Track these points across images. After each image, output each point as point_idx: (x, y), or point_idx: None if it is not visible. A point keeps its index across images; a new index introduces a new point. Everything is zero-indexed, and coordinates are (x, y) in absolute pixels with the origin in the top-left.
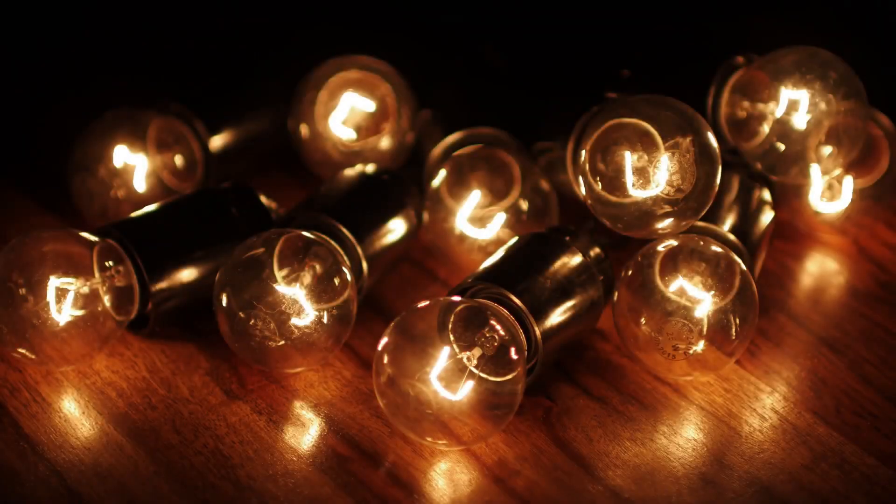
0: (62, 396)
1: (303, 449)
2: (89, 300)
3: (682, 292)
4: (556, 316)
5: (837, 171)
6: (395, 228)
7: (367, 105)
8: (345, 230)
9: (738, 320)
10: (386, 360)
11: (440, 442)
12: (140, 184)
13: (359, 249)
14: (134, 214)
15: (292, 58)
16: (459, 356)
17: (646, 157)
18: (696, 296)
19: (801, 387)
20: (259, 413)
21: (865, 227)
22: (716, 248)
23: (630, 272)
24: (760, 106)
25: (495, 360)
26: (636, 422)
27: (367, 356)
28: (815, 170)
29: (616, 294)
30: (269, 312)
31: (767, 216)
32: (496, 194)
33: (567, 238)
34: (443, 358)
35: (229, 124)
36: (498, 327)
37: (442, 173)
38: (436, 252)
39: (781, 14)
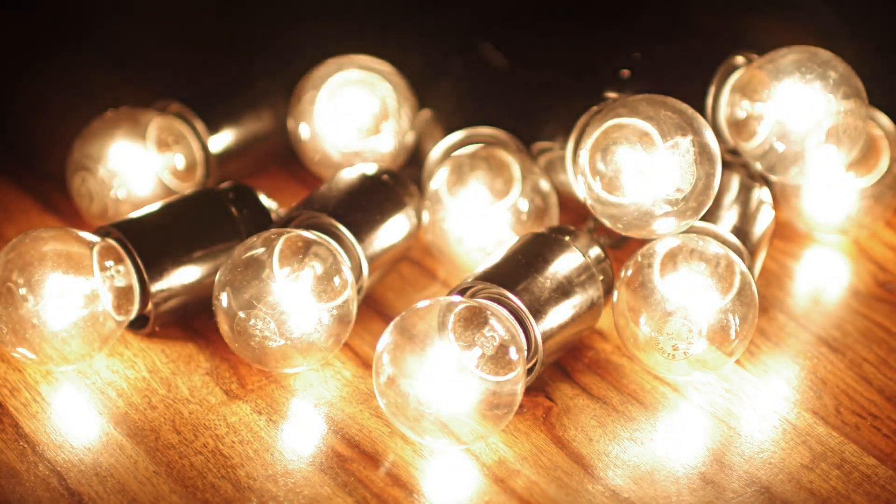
0: (62, 396)
1: (303, 449)
2: (89, 300)
3: (682, 292)
4: (556, 316)
5: (837, 171)
6: (395, 228)
7: (368, 105)
8: (345, 230)
9: (738, 320)
10: (386, 360)
11: (440, 442)
12: (140, 184)
13: (359, 249)
14: (134, 214)
15: (292, 57)
16: (459, 356)
17: (646, 157)
18: (696, 296)
19: (801, 387)
20: (259, 413)
21: (865, 227)
22: (716, 248)
23: (630, 272)
24: (760, 106)
25: (495, 360)
26: (636, 422)
27: (367, 356)
28: (815, 170)
29: (616, 294)
30: (269, 312)
31: (767, 216)
32: (496, 194)
33: (567, 238)
34: (443, 358)
35: (229, 124)
36: (498, 327)
37: (442, 173)
38: (435, 252)
39: (781, 14)
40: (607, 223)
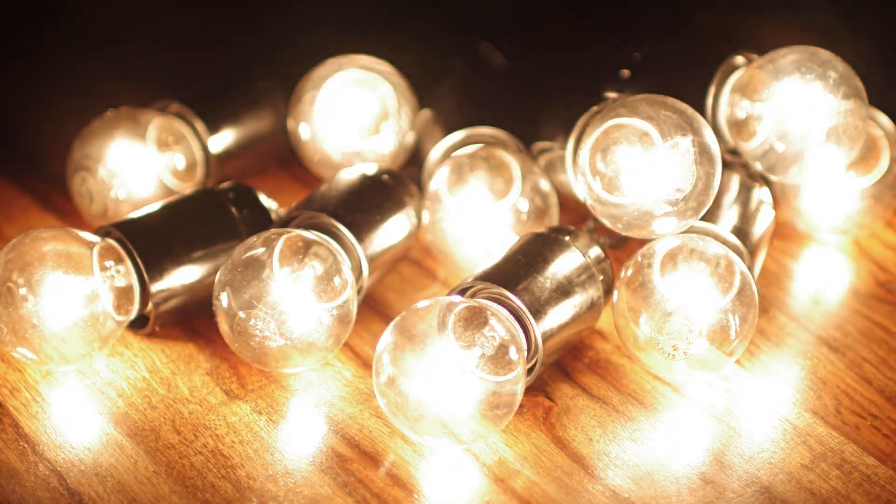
0: (62, 396)
1: (303, 449)
2: (89, 300)
3: (682, 292)
4: (556, 316)
5: (837, 171)
6: (395, 228)
7: (368, 105)
8: (345, 230)
9: (738, 320)
10: (386, 360)
11: (440, 442)
12: (140, 184)
13: (359, 249)
14: (134, 214)
15: (292, 57)
16: (459, 356)
17: (646, 157)
18: (696, 296)
19: (801, 387)
20: (259, 413)
21: (865, 227)
22: (716, 248)
23: (630, 272)
24: (760, 106)
25: (495, 360)
26: (636, 422)
27: (367, 356)
28: (815, 170)
29: (616, 294)
30: (269, 312)
31: (767, 216)
32: (496, 194)
33: (567, 238)
34: (443, 358)
35: (229, 124)
36: (498, 327)
37: (442, 173)
38: (436, 252)
39: (781, 14)
40: (607, 223)
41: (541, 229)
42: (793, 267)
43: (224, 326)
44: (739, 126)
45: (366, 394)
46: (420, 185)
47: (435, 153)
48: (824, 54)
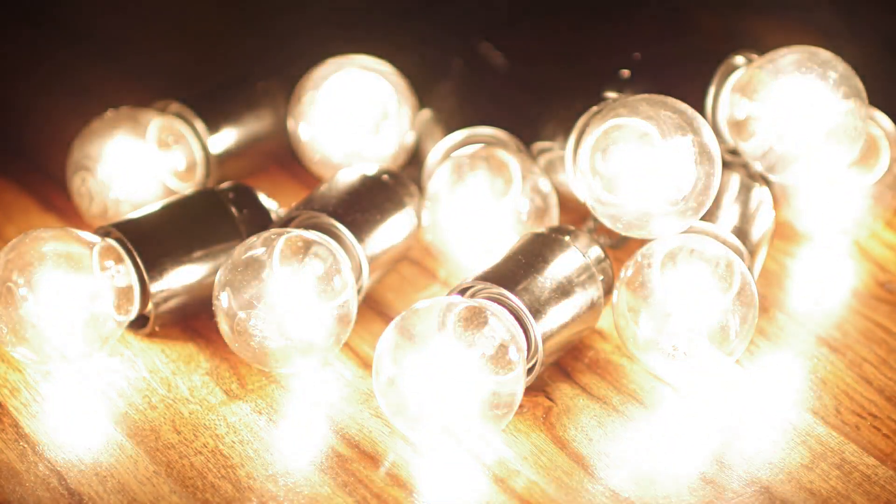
0: (62, 396)
1: (303, 449)
2: (89, 300)
3: (682, 292)
4: (556, 316)
5: (838, 171)
6: (395, 228)
7: (368, 105)
8: (345, 230)
9: (738, 320)
10: (386, 360)
11: (440, 442)
12: (140, 184)
13: (359, 249)
14: (133, 214)
15: (292, 57)
16: (459, 356)
17: (646, 157)
18: (696, 296)
19: (801, 387)
20: (259, 413)
21: (865, 227)
22: (716, 248)
23: (630, 272)
24: (760, 106)
25: (495, 360)
26: (636, 422)
27: (367, 356)
28: (815, 170)
29: (616, 294)
30: (269, 312)
31: (767, 216)
32: (496, 194)
33: (567, 238)
34: (443, 358)
35: (229, 124)
36: (498, 327)
37: (442, 173)
38: (435, 252)
39: (781, 14)
40: (607, 223)
41: (541, 229)
42: (793, 267)
43: (224, 326)
44: (739, 126)
45: (366, 394)
46: (420, 185)
47: (435, 153)
48: (824, 54)
